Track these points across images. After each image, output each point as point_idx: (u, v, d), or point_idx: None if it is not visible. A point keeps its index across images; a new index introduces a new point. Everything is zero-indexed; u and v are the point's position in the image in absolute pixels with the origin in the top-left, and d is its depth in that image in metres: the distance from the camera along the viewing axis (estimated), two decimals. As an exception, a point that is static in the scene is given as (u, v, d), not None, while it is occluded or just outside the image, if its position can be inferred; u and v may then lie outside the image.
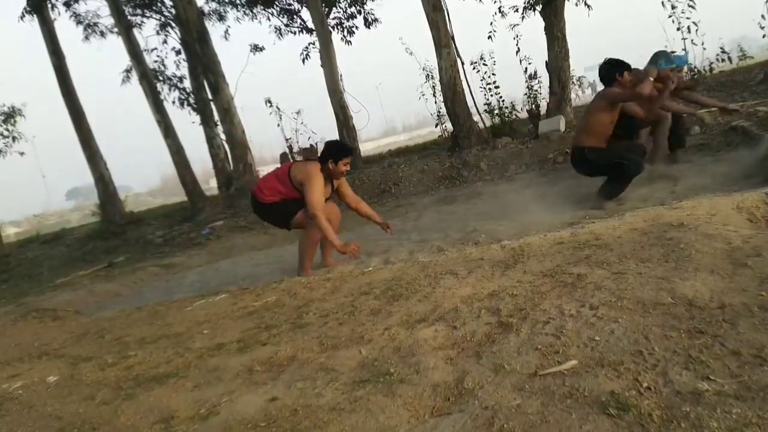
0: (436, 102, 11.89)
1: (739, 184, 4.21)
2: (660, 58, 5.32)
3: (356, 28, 14.77)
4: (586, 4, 10.15)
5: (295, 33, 15.11)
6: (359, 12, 14.55)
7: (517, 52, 10.26)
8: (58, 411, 2.65)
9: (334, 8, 14.20)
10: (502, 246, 3.60)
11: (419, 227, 6.17)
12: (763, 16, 9.03)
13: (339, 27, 14.60)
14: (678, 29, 9.58)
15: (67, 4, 14.29)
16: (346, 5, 14.44)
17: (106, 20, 14.67)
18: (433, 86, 11.73)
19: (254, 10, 14.94)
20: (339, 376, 2.28)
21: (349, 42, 14.90)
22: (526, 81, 10.20)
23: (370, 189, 9.34)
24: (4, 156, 15.45)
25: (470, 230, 5.11)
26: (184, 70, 14.41)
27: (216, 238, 9.55)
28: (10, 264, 12.03)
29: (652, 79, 4.79)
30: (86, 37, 14.87)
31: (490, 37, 10.70)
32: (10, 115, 15.18)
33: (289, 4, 14.83)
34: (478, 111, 10.47)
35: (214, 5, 15.11)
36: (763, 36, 9.06)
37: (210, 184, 19.71)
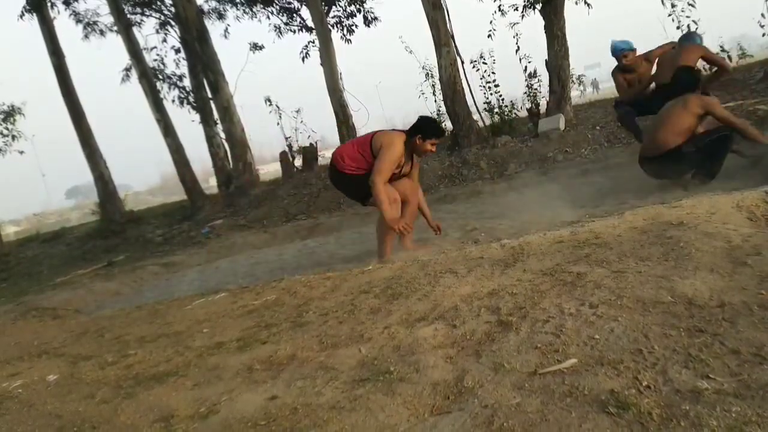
0: (435, 101, 11.88)
1: (738, 182, 4.21)
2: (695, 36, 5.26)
3: (356, 26, 14.78)
4: (586, 2, 10.14)
5: (294, 31, 15.12)
6: (359, 10, 14.55)
7: (516, 51, 10.27)
8: (57, 410, 2.65)
9: (333, 7, 14.20)
10: (502, 245, 3.59)
11: (419, 226, 6.17)
12: (763, 15, 9.02)
13: (338, 25, 14.59)
14: (678, 28, 9.56)
15: (67, 3, 14.29)
16: (346, 4, 14.44)
17: (106, 19, 14.70)
18: (433, 85, 11.73)
19: (254, 9, 14.94)
20: (339, 374, 2.28)
21: (348, 41, 14.90)
22: (526, 80, 10.20)
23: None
24: (3, 155, 15.45)
25: (470, 229, 5.11)
26: (183, 68, 14.43)
27: (216, 237, 9.55)
28: (10, 263, 12.03)
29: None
30: (86, 36, 14.88)
31: (489, 35, 10.69)
32: (10, 113, 15.17)
33: (289, 3, 14.83)
34: (477, 110, 10.47)
35: (213, 4, 15.14)
36: (763, 35, 9.05)
37: (210, 183, 19.72)
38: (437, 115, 11.57)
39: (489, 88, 10.24)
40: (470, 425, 1.65)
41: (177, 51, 14.66)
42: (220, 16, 15.26)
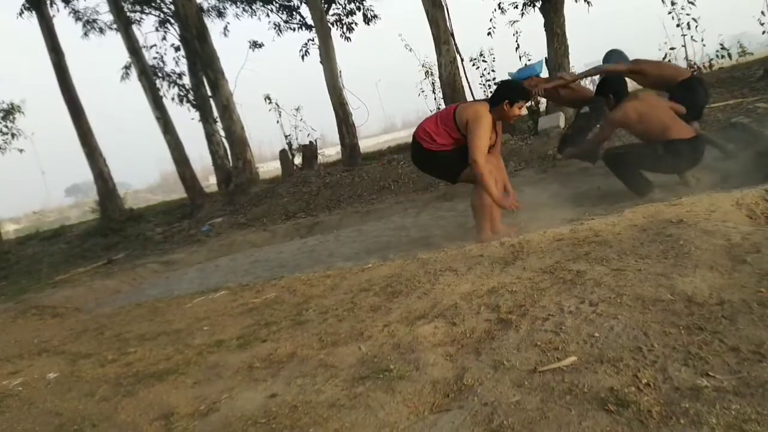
0: (435, 99, 11.88)
1: (738, 180, 4.21)
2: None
3: (355, 24, 14.75)
4: (586, 0, 10.14)
5: (294, 29, 15.09)
6: (358, 8, 14.53)
7: (516, 49, 10.27)
8: (57, 407, 2.65)
9: (333, 4, 14.17)
10: (502, 243, 3.60)
11: (419, 224, 6.18)
12: (763, 13, 9.04)
13: (338, 23, 14.56)
14: (678, 25, 9.59)
15: (66, 1, 14.29)
16: (345, 2, 14.42)
17: (105, 17, 14.69)
18: (433, 83, 11.74)
19: (253, 7, 14.92)
20: (338, 372, 2.28)
21: (348, 38, 14.88)
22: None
23: (370, 186, 9.34)
24: (3, 153, 15.47)
25: (470, 227, 5.10)
26: (183, 66, 14.43)
27: (215, 235, 9.55)
28: (10, 260, 12.03)
29: None
30: (85, 34, 14.88)
31: (489, 33, 10.69)
32: (9, 111, 15.17)
33: (288, 1, 14.80)
34: (477, 108, 10.46)
35: (213, 1, 15.12)
36: (763, 32, 9.06)
37: (209, 181, 19.71)
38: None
39: (489, 86, 10.24)
40: (470, 423, 1.66)
41: (176, 49, 14.67)
42: (220, 14, 15.26)
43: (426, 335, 2.42)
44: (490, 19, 10.59)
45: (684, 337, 1.85)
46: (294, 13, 14.95)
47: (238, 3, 14.98)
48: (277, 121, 12.94)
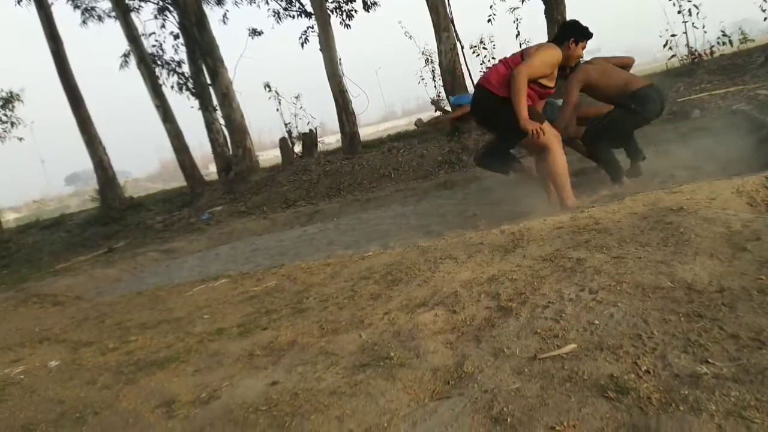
0: (435, 86, 11.83)
1: (739, 167, 4.20)
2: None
3: (355, 11, 14.65)
4: (587, -14, 10.04)
5: (293, 17, 15.01)
6: (358, -5, 14.42)
7: (517, 36, 10.21)
8: (59, 395, 2.67)
9: (332, -9, 14.08)
10: (502, 230, 3.59)
11: (419, 212, 6.17)
12: (764, -1, 8.96)
13: (338, 10, 14.46)
14: (679, 12, 9.50)
15: (64, -12, 14.17)
16: (345, -12, 14.31)
17: (104, 4, 14.62)
18: (433, 70, 11.69)
19: (253, -7, 14.82)
20: (339, 360, 2.29)
21: (348, 26, 14.78)
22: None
23: (370, 174, 9.33)
24: (3, 141, 15.42)
25: (470, 215, 5.11)
26: (182, 54, 14.37)
27: (215, 224, 9.55)
28: (11, 249, 12.04)
29: None
30: (84, 22, 14.80)
31: (489, 20, 10.61)
32: (9, 100, 15.11)
33: (288, -13, 14.70)
34: (478, 95, 10.41)
35: (212, -12, 14.99)
36: (765, 19, 8.99)
37: (209, 170, 19.67)
38: (437, 100, 11.52)
39: (489, 73, 10.17)
40: (470, 410, 1.66)
41: (176, 37, 14.59)
42: (219, 2, 15.18)
43: (426, 323, 2.42)
44: (491, 6, 10.52)
45: (684, 324, 1.86)
46: (293, 0, 14.86)
47: (238, -10, 14.88)
48: (277, 109, 12.90)
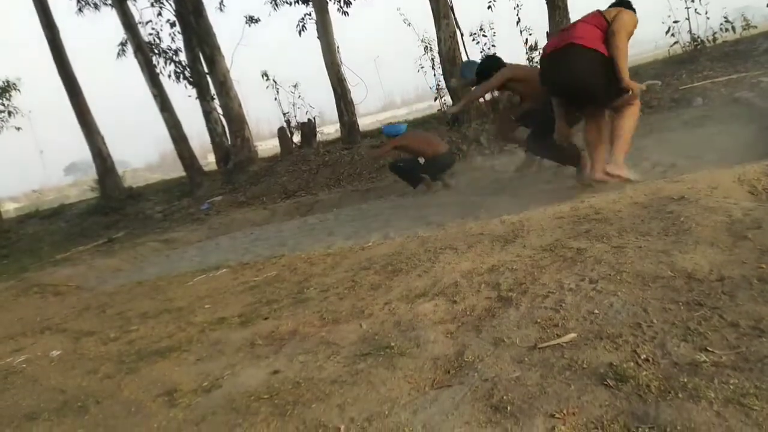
0: (435, 75, 11.76)
1: (741, 156, 4.20)
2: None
3: (353, -3, 14.49)
4: (588, -27, 9.96)
5: (290, 3, 14.85)
6: (356, -19, 14.27)
7: (517, 23, 10.13)
8: (61, 384, 2.68)
9: (330, -23, 13.93)
10: (502, 221, 3.60)
11: (419, 203, 6.17)
12: (767, -15, 8.89)
13: (335, -4, 14.33)
14: (682, -2, 9.44)
15: (59, -24, 14.05)
16: (343, -26, 14.16)
17: (100, -8, 14.45)
18: (432, 58, 11.59)
19: (250, -20, 14.69)
20: (340, 349, 2.30)
21: (345, 13, 14.64)
22: (527, 52, 10.08)
23: (369, 164, 9.31)
24: (0, 131, 15.36)
25: (470, 205, 5.10)
26: (179, 42, 14.23)
27: (215, 214, 9.55)
28: (11, 239, 12.04)
29: None
30: (80, 10, 14.67)
31: (489, 7, 10.54)
32: (5, 89, 15.02)
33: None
34: (478, 84, 10.36)
35: (209, -24, 14.86)
36: (767, 5, 8.93)
37: (208, 159, 19.63)
38: (436, 89, 11.47)
39: (489, 61, 10.10)
40: (470, 398, 1.67)
41: (172, 25, 14.45)
42: (216, -11, 15.01)
43: (426, 313, 2.43)
44: (491, -7, 10.43)
45: (683, 313, 1.86)
46: (290, -14, 14.72)
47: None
48: (275, 99, 12.81)
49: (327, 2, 12.57)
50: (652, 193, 3.26)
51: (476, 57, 10.29)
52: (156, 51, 14.28)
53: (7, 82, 15.08)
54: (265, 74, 12.70)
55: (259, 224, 8.11)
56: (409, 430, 1.59)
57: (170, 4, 14.11)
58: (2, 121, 15.22)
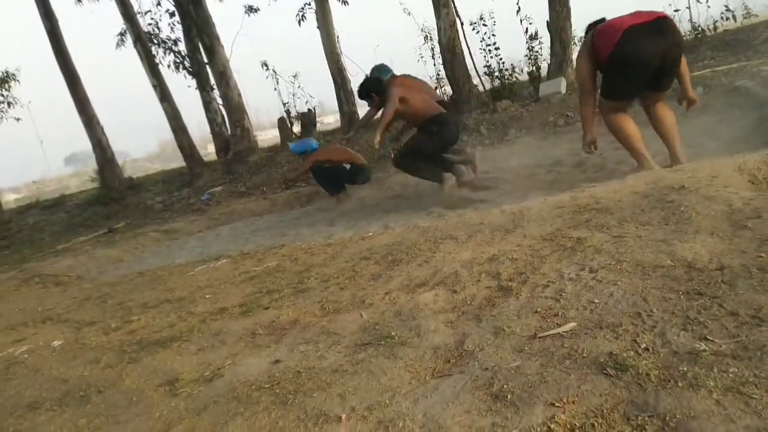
0: (435, 64, 11.68)
1: (741, 145, 4.19)
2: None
3: (353, -14, 14.39)
4: (589, -39, 9.89)
5: (290, -7, 14.79)
6: (356, -30, 14.17)
7: (517, 12, 10.04)
8: (63, 374, 2.69)
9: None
10: (502, 210, 3.60)
11: (419, 192, 6.16)
12: (769, -26, 8.83)
13: (335, -15, 14.22)
14: (683, -13, 9.38)
15: (58, -35, 13.96)
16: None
17: (99, -18, 14.35)
18: (432, 48, 11.50)
19: (249, -32, 14.57)
20: (341, 339, 2.31)
21: (345, 2, 14.56)
22: (527, 42, 10.01)
23: (369, 154, 9.29)
24: (0, 122, 15.32)
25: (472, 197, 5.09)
26: (178, 32, 14.14)
27: (215, 204, 9.55)
28: (11, 230, 12.05)
29: None
30: (78, 0, 14.57)
31: (490, -4, 10.44)
32: (4, 80, 14.96)
33: (284, -38, 14.45)
34: (477, 74, 10.31)
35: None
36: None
37: (208, 150, 19.57)
38: (436, 79, 11.41)
39: (489, 51, 10.05)
40: (471, 387, 1.68)
41: (171, 14, 14.36)
42: (215, -22, 14.93)
43: (427, 302, 2.44)
44: (491, -18, 10.34)
45: (683, 302, 1.87)
46: (290, -24, 14.64)
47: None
48: (275, 89, 12.76)
49: (326, -9, 12.48)
50: (652, 183, 3.26)
51: (476, 47, 10.23)
52: (155, 41, 14.21)
53: (6, 72, 15.01)
54: (264, 64, 12.64)
55: (259, 214, 8.11)
56: (410, 419, 1.59)
57: (169, -7, 14.03)
58: (2, 112, 15.17)
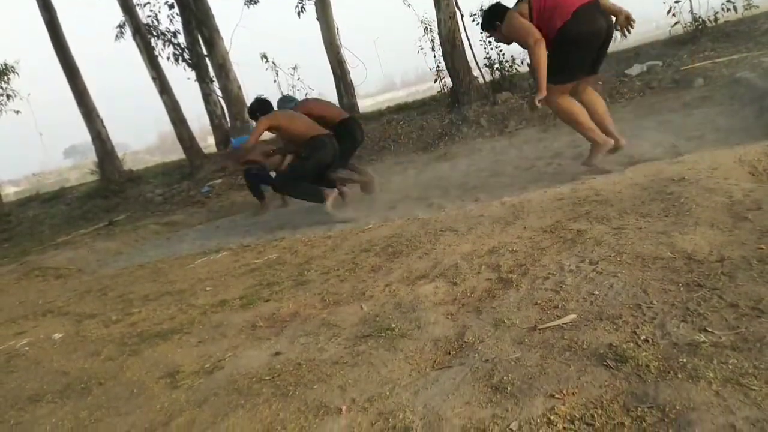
0: (435, 56, 11.64)
1: (742, 136, 4.18)
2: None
3: (353, -22, 14.34)
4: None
5: (289, -17, 14.68)
6: (356, -38, 14.10)
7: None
8: (64, 366, 2.70)
9: (329, -44, 13.75)
10: (502, 202, 3.59)
11: (419, 184, 6.16)
12: (770, -36, 8.78)
13: (335, -23, 14.15)
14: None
15: (56, -43, 13.85)
16: (343, -46, 14.00)
17: (97, -27, 14.27)
18: (432, 40, 11.45)
19: (248, -40, 14.49)
20: (341, 331, 2.31)
21: (345, -6, 14.52)
22: (527, 33, 9.97)
23: (370, 146, 9.27)
24: (-1, 114, 15.29)
25: (470, 187, 5.10)
26: (178, 24, 14.08)
27: (215, 196, 9.54)
28: (11, 223, 12.05)
29: None
30: (76, -9, 14.52)
31: (490, -13, 10.38)
32: (3, 72, 14.91)
33: (284, -47, 14.36)
34: (477, 65, 10.27)
35: (206, -44, 14.64)
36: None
37: (208, 142, 19.52)
38: (436, 71, 11.37)
39: (489, 42, 10.00)
40: (471, 379, 1.68)
41: (170, 6, 14.29)
42: (214, -31, 14.83)
43: (427, 294, 2.44)
44: (491, -28, 10.28)
45: (683, 294, 1.87)
46: (289, -34, 14.54)
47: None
48: (274, 81, 12.75)
49: (326, -17, 12.42)
50: (652, 174, 3.26)
51: (476, 38, 10.18)
52: (154, 33, 14.15)
53: (5, 65, 14.96)
54: (264, 56, 12.61)
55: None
56: (410, 411, 1.60)
57: (168, -15, 13.96)
58: (1, 104, 15.14)
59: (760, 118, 4.54)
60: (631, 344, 1.65)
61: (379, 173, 7.73)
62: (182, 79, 13.84)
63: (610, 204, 2.95)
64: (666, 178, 3.12)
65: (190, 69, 13.71)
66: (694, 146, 4.26)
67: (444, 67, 10.27)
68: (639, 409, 1.36)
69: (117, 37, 14.64)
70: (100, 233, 8.34)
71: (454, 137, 8.53)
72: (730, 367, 1.44)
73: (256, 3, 14.86)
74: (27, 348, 3.16)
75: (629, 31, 4.22)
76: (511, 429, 1.41)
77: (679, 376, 1.45)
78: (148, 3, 14.50)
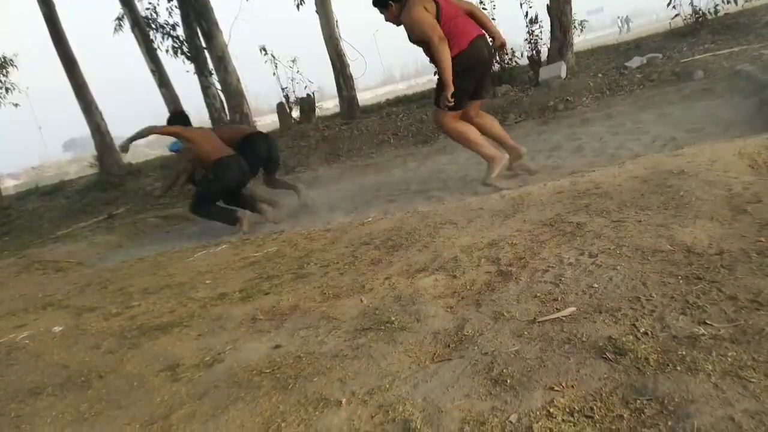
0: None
1: (742, 129, 4.17)
2: None
3: (352, -30, 14.25)
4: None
5: (289, -25, 14.60)
6: (355, -47, 14.02)
7: (517, -5, 9.97)
8: (64, 360, 2.70)
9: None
10: (502, 195, 3.59)
11: (419, 177, 6.16)
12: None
13: (334, -31, 14.06)
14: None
15: (53, -51, 13.76)
16: (342, -55, 13.90)
17: (94, -35, 14.20)
18: (432, 32, 11.42)
19: (246, -48, 14.40)
20: (341, 324, 2.31)
21: (345, -14, 14.44)
22: (527, 26, 9.94)
23: (369, 139, 9.26)
24: (-2, 107, 15.25)
25: (470, 180, 5.10)
26: (176, 17, 14.01)
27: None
28: (11, 216, 12.03)
29: None
30: (74, -16, 14.45)
31: (490, -21, 10.33)
32: (2, 65, 14.87)
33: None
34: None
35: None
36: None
37: (207, 135, 19.47)
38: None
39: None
40: (470, 372, 1.69)
41: (169, -1, 14.24)
42: (213, -39, 14.73)
43: (427, 287, 2.44)
44: (491, -35, 10.23)
45: (682, 286, 1.87)
46: (288, -42, 14.44)
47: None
48: (274, 74, 12.70)
49: (325, -25, 12.34)
50: (652, 167, 3.25)
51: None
52: (153, 26, 14.09)
53: (4, 58, 14.91)
54: (263, 49, 12.57)
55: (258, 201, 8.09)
56: (410, 404, 1.60)
57: (166, -23, 13.88)
58: (0, 98, 15.10)
59: (760, 110, 4.54)
60: (631, 337, 1.65)
61: (379, 166, 7.73)
62: (181, 72, 13.80)
63: (609, 197, 2.95)
64: (666, 170, 3.12)
65: (189, 62, 13.66)
66: (693, 139, 4.26)
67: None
68: (638, 401, 1.37)
69: (116, 29, 14.56)
70: (99, 226, 8.33)
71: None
72: (729, 359, 1.44)
73: (254, -5, 14.78)
74: (27, 341, 3.16)
75: (501, 58, 4.68)
76: (510, 421, 1.42)
77: (678, 368, 1.45)
78: (147, -5, 14.45)
